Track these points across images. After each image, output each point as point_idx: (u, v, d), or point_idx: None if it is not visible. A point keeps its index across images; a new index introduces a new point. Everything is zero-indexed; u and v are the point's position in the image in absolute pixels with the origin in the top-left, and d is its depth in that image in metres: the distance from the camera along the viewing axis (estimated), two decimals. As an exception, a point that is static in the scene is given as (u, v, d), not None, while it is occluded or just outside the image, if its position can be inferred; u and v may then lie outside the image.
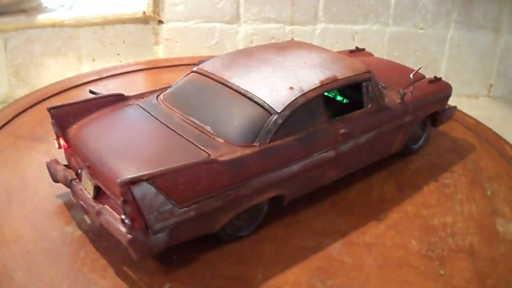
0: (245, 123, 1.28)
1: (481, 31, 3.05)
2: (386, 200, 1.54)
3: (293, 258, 1.29)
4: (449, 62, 3.12)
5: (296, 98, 1.32)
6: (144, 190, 1.05)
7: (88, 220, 1.35)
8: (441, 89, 1.75)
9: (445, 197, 1.57)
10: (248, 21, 2.80)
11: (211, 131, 1.29)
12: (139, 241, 1.09)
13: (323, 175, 1.43)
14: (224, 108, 1.33)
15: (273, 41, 2.88)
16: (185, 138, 1.26)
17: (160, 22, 2.79)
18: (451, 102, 1.84)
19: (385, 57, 2.09)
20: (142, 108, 1.41)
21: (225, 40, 2.88)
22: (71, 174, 1.33)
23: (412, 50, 3.11)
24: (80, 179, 1.31)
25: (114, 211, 1.18)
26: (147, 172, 1.06)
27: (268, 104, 1.29)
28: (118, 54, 2.83)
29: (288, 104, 1.30)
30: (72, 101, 1.37)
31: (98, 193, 1.24)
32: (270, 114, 1.28)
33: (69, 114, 1.35)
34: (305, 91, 1.34)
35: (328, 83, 1.39)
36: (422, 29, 3.03)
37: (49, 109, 1.33)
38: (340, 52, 1.97)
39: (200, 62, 1.54)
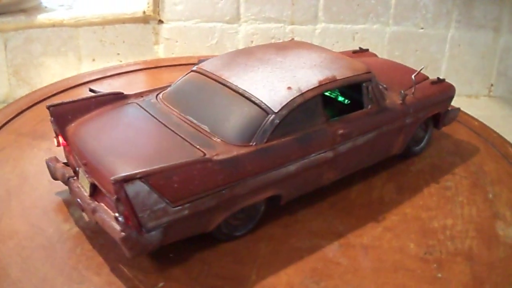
0: (242, 122, 1.28)
1: (481, 30, 3.04)
2: (385, 202, 1.53)
3: (289, 259, 1.28)
4: (450, 62, 3.11)
5: (294, 98, 1.32)
6: (137, 188, 1.05)
7: (85, 218, 1.35)
8: (444, 90, 1.73)
9: (445, 199, 1.56)
10: (248, 21, 2.80)
11: (208, 130, 1.29)
12: (132, 239, 1.09)
13: (321, 176, 1.42)
14: (222, 107, 1.33)
15: (273, 41, 2.88)
16: (181, 137, 1.26)
17: (160, 21, 2.79)
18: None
19: (385, 57, 2.08)
20: (141, 106, 1.42)
21: (225, 40, 2.88)
22: (69, 172, 1.35)
23: (413, 50, 3.09)
24: (77, 177, 1.32)
25: (109, 209, 1.19)
26: (140, 170, 1.06)
27: (265, 104, 1.29)
28: (118, 54, 2.84)
29: (286, 104, 1.30)
30: (71, 99, 1.38)
31: (94, 191, 1.24)
32: (267, 113, 1.28)
33: (68, 112, 1.36)
34: (303, 91, 1.33)
35: (326, 83, 1.39)
36: (422, 28, 3.01)
37: (48, 107, 1.34)
38: (343, 53, 1.96)
39: (200, 61, 1.54)
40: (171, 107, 1.40)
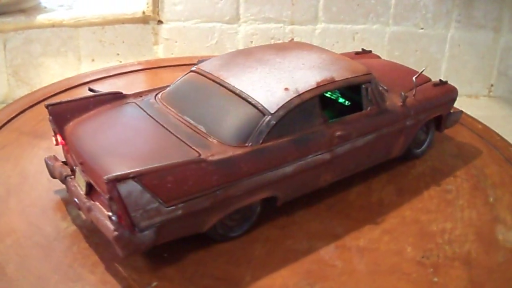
0: (238, 123, 1.28)
1: (481, 30, 3.01)
2: (384, 204, 1.52)
3: (284, 261, 1.28)
4: (450, 62, 3.09)
5: (291, 99, 1.31)
6: (130, 188, 1.06)
7: (83, 216, 1.36)
8: (446, 92, 1.72)
9: (445, 203, 1.54)
10: (248, 21, 2.80)
11: (204, 131, 1.29)
12: (125, 238, 1.10)
13: (318, 178, 1.41)
14: (219, 108, 1.33)
15: (273, 41, 2.88)
16: (177, 138, 1.26)
17: (160, 22, 2.80)
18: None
19: (385, 57, 2.06)
20: (139, 106, 1.42)
21: (225, 40, 2.88)
22: (66, 171, 1.36)
23: (412, 50, 3.08)
24: (74, 176, 1.33)
25: (104, 208, 1.19)
26: (133, 170, 1.06)
27: (261, 105, 1.29)
28: (118, 54, 2.84)
29: (282, 105, 1.29)
30: (69, 99, 1.39)
31: (90, 190, 1.25)
32: (264, 114, 1.28)
33: (66, 111, 1.37)
34: (300, 92, 1.33)
35: (324, 84, 1.38)
36: (422, 28, 3.00)
37: (47, 106, 1.35)
38: (346, 54, 1.95)
39: (199, 61, 1.55)
40: (169, 107, 1.40)
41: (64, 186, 1.38)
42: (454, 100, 1.75)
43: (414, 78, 1.61)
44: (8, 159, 1.60)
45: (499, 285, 1.24)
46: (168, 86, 1.53)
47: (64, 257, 1.24)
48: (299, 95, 1.32)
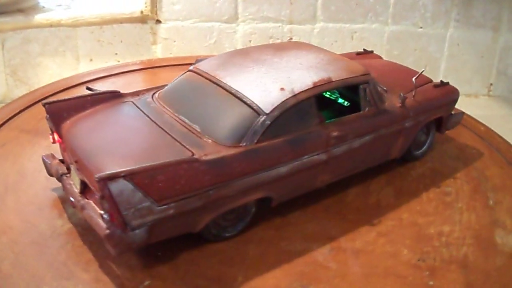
0: (232, 123, 1.27)
1: (480, 30, 3.00)
2: (382, 206, 1.50)
3: (278, 262, 1.27)
4: (449, 61, 3.07)
5: (286, 99, 1.30)
6: (121, 187, 1.06)
7: (79, 214, 1.37)
8: (447, 93, 1.70)
9: (444, 205, 1.52)
10: (247, 20, 2.79)
11: (199, 130, 1.28)
12: (116, 237, 1.10)
13: (314, 179, 1.40)
14: (214, 107, 1.33)
15: (271, 40, 2.88)
16: (172, 137, 1.26)
17: (158, 21, 2.80)
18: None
19: (384, 56, 2.04)
20: (136, 105, 1.43)
21: (224, 39, 2.88)
22: (62, 169, 1.36)
23: (411, 49, 3.06)
24: (70, 174, 1.34)
25: (97, 206, 1.20)
26: (125, 169, 1.06)
27: (256, 105, 1.28)
28: (116, 54, 2.85)
29: (277, 105, 1.29)
30: (67, 97, 1.40)
31: (85, 188, 1.25)
32: (258, 114, 1.27)
33: (63, 110, 1.37)
34: (296, 93, 1.32)
35: (321, 84, 1.37)
36: (421, 28, 2.98)
37: (44, 105, 1.36)
38: (347, 54, 1.94)
39: (198, 61, 1.55)
40: (166, 107, 1.40)
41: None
42: (455, 101, 1.73)
43: (413, 79, 1.59)
44: (7, 157, 1.61)
45: (495, 290, 1.22)
46: (166, 85, 1.53)
47: (58, 255, 1.25)
48: (295, 95, 1.32)
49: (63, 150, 1.39)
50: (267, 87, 1.33)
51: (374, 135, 1.48)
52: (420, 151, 1.72)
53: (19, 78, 2.68)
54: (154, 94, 1.49)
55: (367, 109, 1.47)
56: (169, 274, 1.21)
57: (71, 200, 1.28)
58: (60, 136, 1.37)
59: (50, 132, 1.40)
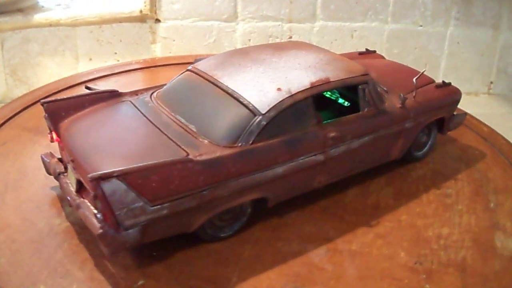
0: (228, 123, 1.27)
1: (480, 28, 2.97)
2: (380, 208, 1.49)
3: (273, 263, 1.26)
4: (449, 60, 3.05)
5: (283, 99, 1.30)
6: (114, 186, 1.06)
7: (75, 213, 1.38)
8: (449, 94, 1.67)
9: (444, 207, 1.50)
10: (246, 19, 2.78)
11: (195, 130, 1.28)
12: (109, 236, 1.10)
13: (311, 179, 1.40)
14: (210, 107, 1.33)
15: (271, 39, 2.87)
16: (168, 137, 1.26)
17: (157, 20, 2.80)
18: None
19: (383, 54, 2.02)
20: (134, 105, 1.43)
21: (223, 38, 2.87)
22: (60, 167, 1.37)
23: (412, 48, 3.04)
24: (67, 173, 1.35)
25: (92, 205, 1.20)
26: (118, 169, 1.06)
27: (252, 105, 1.28)
28: (115, 53, 2.85)
29: (274, 106, 1.28)
30: (65, 97, 1.40)
31: (81, 187, 1.26)
32: (254, 115, 1.27)
33: (61, 109, 1.38)
34: (292, 93, 1.31)
35: (318, 85, 1.36)
36: (421, 26, 2.96)
37: (43, 104, 1.37)
38: (349, 54, 1.92)
39: (197, 60, 1.54)
40: (163, 106, 1.40)
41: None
42: (457, 102, 1.71)
43: (414, 80, 1.57)
44: (8, 155, 1.63)
45: (493, 294, 1.20)
46: (164, 84, 1.53)
47: (54, 253, 1.26)
48: (292, 95, 1.31)
49: (61, 149, 1.40)
50: (264, 87, 1.32)
51: (373, 136, 1.46)
52: (421, 152, 1.70)
53: (18, 77, 2.69)
54: (152, 93, 1.50)
55: (366, 109, 1.45)
56: (164, 274, 1.21)
57: (68, 199, 1.29)
58: (58, 135, 1.38)
59: (48, 131, 1.41)
